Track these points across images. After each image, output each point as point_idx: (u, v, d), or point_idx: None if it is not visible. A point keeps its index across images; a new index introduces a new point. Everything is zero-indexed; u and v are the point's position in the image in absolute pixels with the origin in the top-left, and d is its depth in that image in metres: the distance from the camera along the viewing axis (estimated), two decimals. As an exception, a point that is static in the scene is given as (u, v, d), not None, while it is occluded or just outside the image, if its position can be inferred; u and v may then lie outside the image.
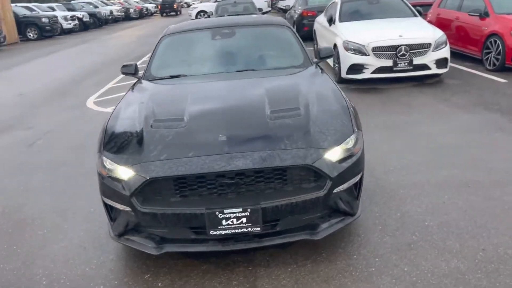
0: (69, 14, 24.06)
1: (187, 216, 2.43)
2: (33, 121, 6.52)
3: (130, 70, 4.02)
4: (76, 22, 24.34)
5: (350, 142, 2.70)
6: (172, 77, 3.76)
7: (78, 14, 25.33)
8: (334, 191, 2.58)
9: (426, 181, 3.67)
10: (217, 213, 2.40)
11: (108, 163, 2.62)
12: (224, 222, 2.43)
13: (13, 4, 21.18)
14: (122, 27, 27.39)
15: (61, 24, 22.85)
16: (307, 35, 12.08)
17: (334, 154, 2.59)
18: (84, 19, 25.62)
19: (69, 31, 23.93)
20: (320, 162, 2.50)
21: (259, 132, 2.62)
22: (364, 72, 6.93)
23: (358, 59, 6.89)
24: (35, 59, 14.08)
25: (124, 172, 2.52)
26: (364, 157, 2.86)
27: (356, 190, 2.83)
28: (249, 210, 2.41)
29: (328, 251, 2.79)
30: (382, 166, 4.02)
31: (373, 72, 6.90)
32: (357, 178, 2.75)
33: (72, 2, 29.94)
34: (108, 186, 2.60)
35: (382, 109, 5.83)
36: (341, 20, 8.05)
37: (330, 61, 8.32)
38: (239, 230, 2.45)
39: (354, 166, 2.68)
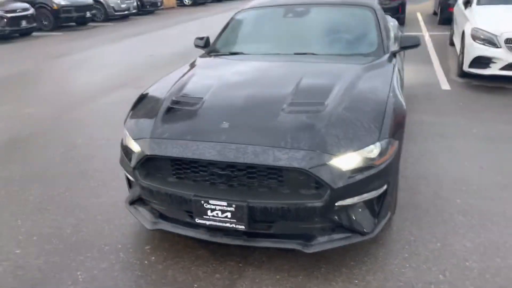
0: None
1: (178, 199, 2.39)
2: (147, 80, 7.10)
3: (201, 44, 4.05)
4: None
5: (373, 151, 2.30)
6: (231, 53, 3.67)
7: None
8: (338, 204, 2.26)
9: (501, 212, 2.98)
10: (202, 201, 2.31)
11: (126, 134, 2.70)
12: (209, 213, 2.32)
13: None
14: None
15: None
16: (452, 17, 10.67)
17: (345, 161, 2.24)
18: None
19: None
20: (320, 168, 2.19)
21: (266, 124, 2.40)
22: (490, 67, 5.84)
23: (485, 51, 5.82)
24: (178, 24, 15.31)
25: (134, 145, 2.58)
26: (394, 170, 2.44)
27: (377, 206, 2.44)
28: (234, 205, 2.25)
29: (330, 267, 2.48)
30: (453, 183, 3.39)
31: (502, 69, 5.77)
32: (374, 194, 2.35)
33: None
34: (123, 156, 2.70)
35: (494, 115, 4.87)
36: (479, 3, 6.88)
37: (457, 48, 7.24)
38: (223, 224, 2.32)
39: (372, 179, 2.29)
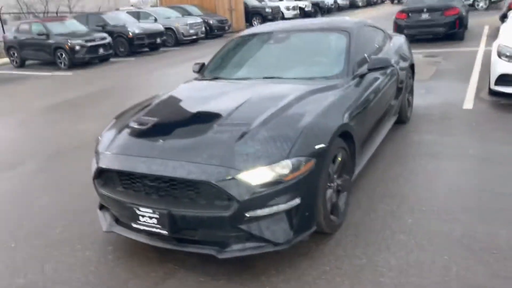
0: (291, 4, 26.06)
1: (121, 206, 2.81)
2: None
3: (196, 69, 4.49)
4: (297, 11, 26.19)
5: (282, 168, 2.53)
6: (213, 78, 4.06)
7: (301, 4, 27.16)
8: (248, 214, 2.51)
9: (446, 234, 2.96)
10: (135, 208, 2.70)
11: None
12: (141, 219, 2.71)
13: (246, -4, 24.36)
14: (343, 15, 27.96)
15: (282, 13, 25.05)
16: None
17: (253, 176, 2.50)
18: (306, 9, 27.30)
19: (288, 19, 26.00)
20: (227, 182, 2.47)
21: (193, 142, 2.74)
22: (515, 86, 5.54)
23: (509, 68, 5.54)
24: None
25: (94, 158, 3.06)
26: (312, 186, 2.63)
27: (295, 219, 2.63)
28: (157, 213, 2.61)
29: (251, 274, 2.71)
30: (416, 203, 3.40)
31: (528, 87, 5.44)
32: (285, 207, 2.56)
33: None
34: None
35: (504, 136, 4.64)
36: (514, 18, 6.54)
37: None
38: (152, 229, 2.69)
39: (280, 193, 2.52)
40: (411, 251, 2.81)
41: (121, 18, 16.58)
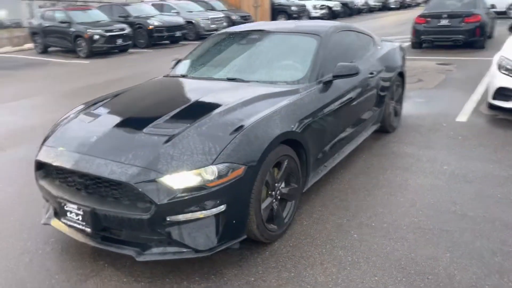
0: (319, 3, 25.72)
1: (53, 200, 2.81)
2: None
3: (172, 65, 4.46)
4: (325, 11, 25.83)
5: (207, 174, 2.47)
6: (181, 75, 4.03)
7: (330, 3, 26.78)
8: (169, 218, 2.46)
9: (386, 253, 2.82)
10: (62, 204, 2.70)
11: None
12: (68, 214, 2.71)
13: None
14: (373, 16, 27.44)
15: (308, 12, 24.78)
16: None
17: (176, 180, 2.45)
18: (334, 8, 26.92)
19: (317, 19, 25.69)
20: (146, 184, 2.44)
21: (124, 141, 2.72)
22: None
23: (508, 82, 5.26)
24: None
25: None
26: (241, 193, 2.58)
27: (220, 227, 2.56)
28: (82, 210, 2.60)
29: (176, 277, 2.66)
30: (367, 219, 3.26)
31: (526, 103, 5.15)
32: (207, 213, 2.50)
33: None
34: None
35: (485, 152, 4.40)
36: (523, 29, 6.19)
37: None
38: (78, 226, 2.68)
39: (203, 199, 2.47)
40: (343, 268, 2.70)
41: (144, 9, 16.80)
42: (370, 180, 3.90)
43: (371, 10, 31.77)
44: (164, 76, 4.17)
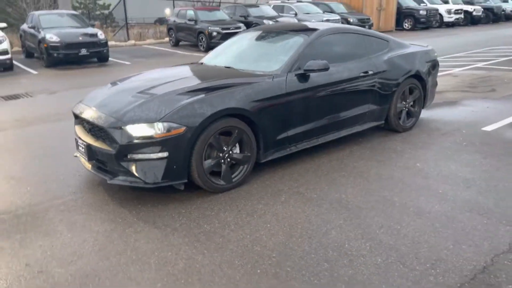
0: (453, 7, 24.16)
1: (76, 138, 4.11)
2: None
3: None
4: (461, 16, 24.17)
5: (155, 128, 3.46)
6: (200, 63, 5.06)
7: (469, 7, 24.95)
8: (128, 156, 3.52)
9: (288, 227, 3.44)
10: (77, 140, 3.97)
11: None
12: (79, 148, 3.97)
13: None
14: (516, 24, 24.74)
15: (441, 17, 23.49)
16: None
17: (134, 129, 3.49)
18: (474, 13, 24.99)
19: (451, 24, 24.17)
20: (115, 130, 3.53)
21: (116, 100, 3.87)
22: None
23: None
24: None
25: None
26: (181, 146, 3.49)
27: (159, 166, 3.51)
28: (84, 144, 3.82)
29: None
30: (311, 190, 3.86)
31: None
32: (153, 156, 3.48)
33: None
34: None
35: (476, 159, 4.45)
36: None
37: None
38: (82, 156, 3.92)
39: (152, 145, 3.46)
40: (254, 219, 3.41)
41: (263, 10, 18.28)
42: (339, 165, 4.39)
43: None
44: (196, 63, 5.27)
